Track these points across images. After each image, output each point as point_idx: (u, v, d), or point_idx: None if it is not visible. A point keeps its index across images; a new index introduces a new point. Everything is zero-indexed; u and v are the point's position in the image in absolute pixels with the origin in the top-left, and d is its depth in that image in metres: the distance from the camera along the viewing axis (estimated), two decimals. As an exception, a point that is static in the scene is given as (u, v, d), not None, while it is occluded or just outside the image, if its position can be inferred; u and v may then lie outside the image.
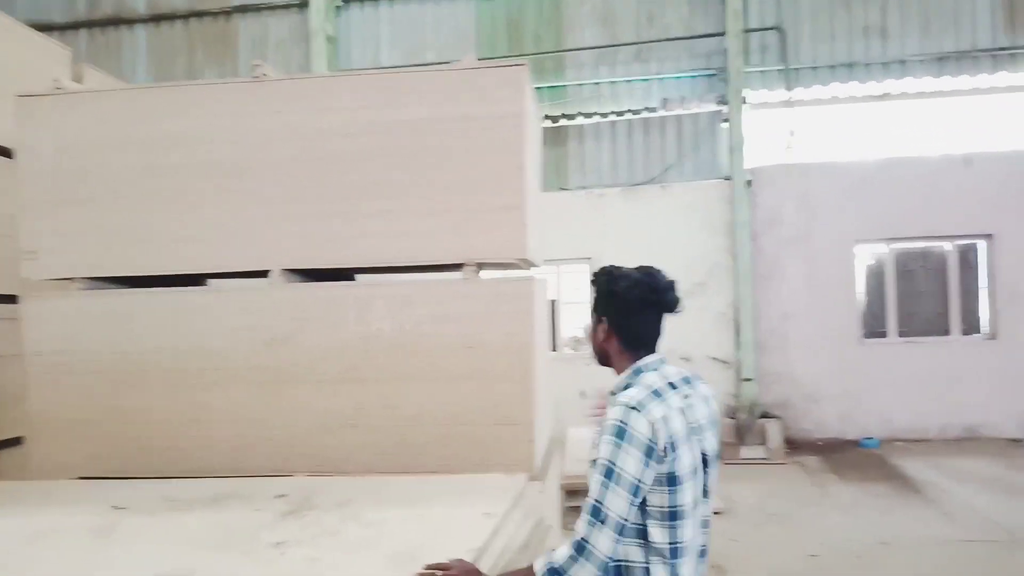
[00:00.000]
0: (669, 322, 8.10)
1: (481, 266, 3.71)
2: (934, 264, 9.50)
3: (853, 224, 9.39)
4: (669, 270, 8.13)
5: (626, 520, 1.81)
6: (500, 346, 3.48)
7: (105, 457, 3.57)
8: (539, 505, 3.11)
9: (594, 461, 1.88)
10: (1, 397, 4.36)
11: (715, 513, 6.29)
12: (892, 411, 9.12)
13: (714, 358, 9.44)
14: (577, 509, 4.90)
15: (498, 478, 3.09)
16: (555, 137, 10.12)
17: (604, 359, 2.13)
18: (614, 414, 1.87)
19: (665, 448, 1.84)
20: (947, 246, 9.42)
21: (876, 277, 9.54)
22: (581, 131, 10.15)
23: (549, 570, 1.83)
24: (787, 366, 9.37)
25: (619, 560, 1.88)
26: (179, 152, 3.67)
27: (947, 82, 9.65)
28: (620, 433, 1.83)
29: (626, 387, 2.00)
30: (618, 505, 1.80)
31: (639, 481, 1.81)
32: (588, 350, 2.06)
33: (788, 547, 5.49)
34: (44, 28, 10.19)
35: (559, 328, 9.74)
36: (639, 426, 1.83)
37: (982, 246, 9.35)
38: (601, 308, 2.11)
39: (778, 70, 9.64)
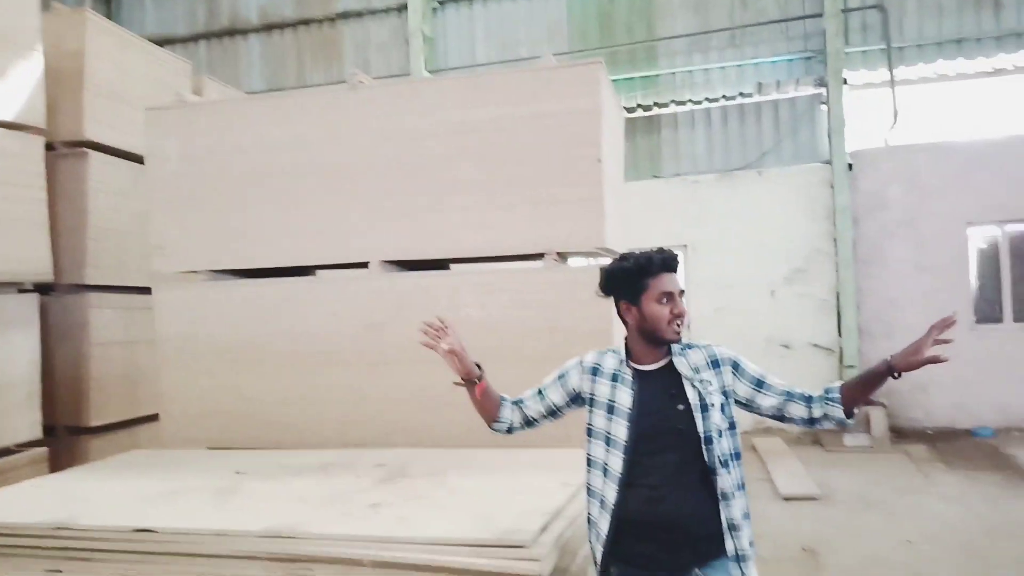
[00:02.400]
0: (770, 309, 8.16)
1: (564, 255, 3.91)
2: (1053, 246, 8.98)
3: (964, 206, 8.97)
4: (767, 256, 8.15)
5: None
6: (580, 330, 3.66)
7: (228, 430, 3.99)
8: (617, 479, 3.28)
9: (762, 378, 2.26)
10: (140, 377, 4.91)
11: (810, 499, 6.30)
12: (1008, 399, 8.68)
13: (815, 345, 9.25)
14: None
15: (578, 452, 3.27)
16: (648, 126, 10.14)
17: None
18: (727, 350, 2.28)
19: None
20: (1069, 227, 8.89)
21: (989, 260, 9.09)
22: (675, 119, 10.13)
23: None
24: (892, 353, 9.06)
25: None
26: (286, 155, 4.03)
27: (1068, 53, 9.06)
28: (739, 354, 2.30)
29: (681, 348, 2.27)
30: None
31: None
32: (684, 336, 2.25)
33: (885, 534, 5.42)
34: (168, 41, 11.10)
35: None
36: None
37: (1110, 225, 8.77)
38: None
39: (880, 49, 9.30)
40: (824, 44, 9.30)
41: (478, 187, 3.85)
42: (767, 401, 2.23)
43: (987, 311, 9.08)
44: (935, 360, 2.09)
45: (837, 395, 2.18)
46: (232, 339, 4.02)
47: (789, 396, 2.23)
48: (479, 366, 2.38)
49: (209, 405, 4.02)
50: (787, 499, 6.37)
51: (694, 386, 2.17)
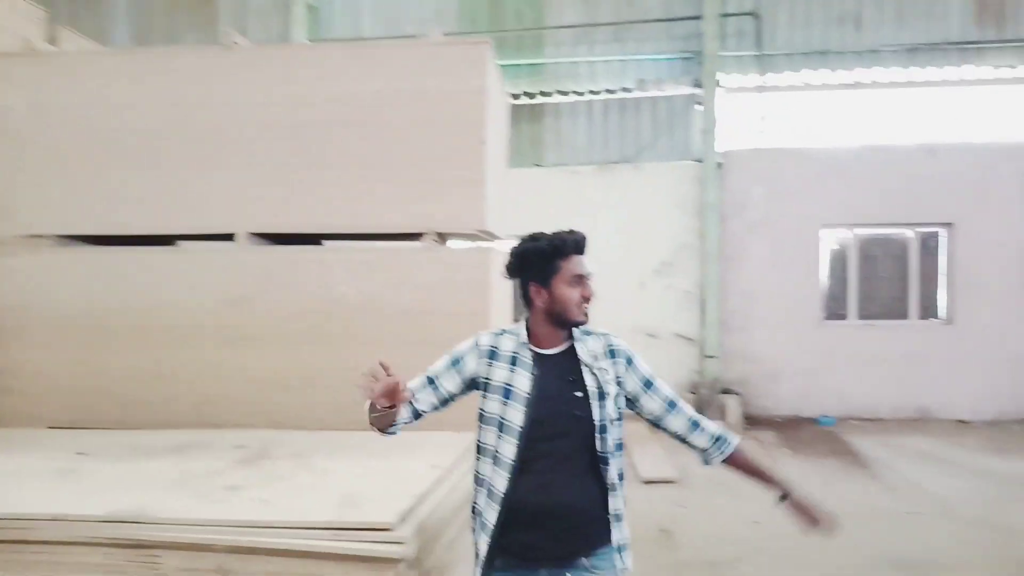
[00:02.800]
0: (638, 300, 8.39)
1: (444, 236, 3.87)
2: (895, 250, 9.75)
3: (819, 209, 9.59)
4: (639, 248, 8.38)
5: None
6: (458, 313, 3.64)
7: (72, 408, 3.70)
8: (486, 462, 3.28)
9: (651, 380, 2.23)
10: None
11: (668, 482, 6.59)
12: (849, 391, 9.40)
13: (679, 335, 9.65)
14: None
15: (447, 435, 3.26)
16: (532, 114, 10.21)
17: None
18: (624, 342, 2.25)
19: None
20: (909, 233, 9.67)
21: (839, 261, 9.78)
22: (558, 109, 10.25)
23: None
24: (749, 345, 9.60)
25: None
26: (149, 116, 3.77)
27: (917, 73, 9.82)
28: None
29: (583, 333, 2.24)
30: None
31: None
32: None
33: (735, 514, 5.73)
34: (22, -14, 10.12)
35: (531, 302, 9.87)
36: None
37: (943, 234, 9.61)
38: None
39: (753, 55, 9.77)
40: (702, 46, 9.64)
41: (355, 161, 3.74)
42: (650, 404, 2.22)
43: (834, 308, 9.76)
44: (812, 531, 2.21)
45: (728, 452, 2.23)
46: (80, 310, 3.73)
47: (673, 408, 2.22)
48: None
49: (52, 381, 3.71)
50: (647, 482, 6.62)
51: (593, 373, 2.14)
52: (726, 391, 9.06)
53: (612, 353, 2.20)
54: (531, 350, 2.17)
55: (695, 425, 2.23)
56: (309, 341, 3.72)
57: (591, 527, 2.12)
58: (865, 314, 9.69)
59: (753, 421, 9.18)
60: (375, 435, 3.48)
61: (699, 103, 9.85)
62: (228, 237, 3.75)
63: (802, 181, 9.61)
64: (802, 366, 9.45)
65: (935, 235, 9.68)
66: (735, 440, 2.24)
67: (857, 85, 9.98)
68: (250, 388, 3.65)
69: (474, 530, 2.17)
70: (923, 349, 9.40)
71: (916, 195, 9.43)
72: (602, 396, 2.12)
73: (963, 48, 9.73)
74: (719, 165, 9.58)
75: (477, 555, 2.13)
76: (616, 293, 9.61)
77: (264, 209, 3.76)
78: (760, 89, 9.70)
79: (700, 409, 8.67)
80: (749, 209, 9.72)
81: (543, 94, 10.14)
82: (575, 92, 10.11)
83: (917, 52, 9.77)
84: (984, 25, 9.67)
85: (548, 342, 2.19)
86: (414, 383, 2.19)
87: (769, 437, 8.45)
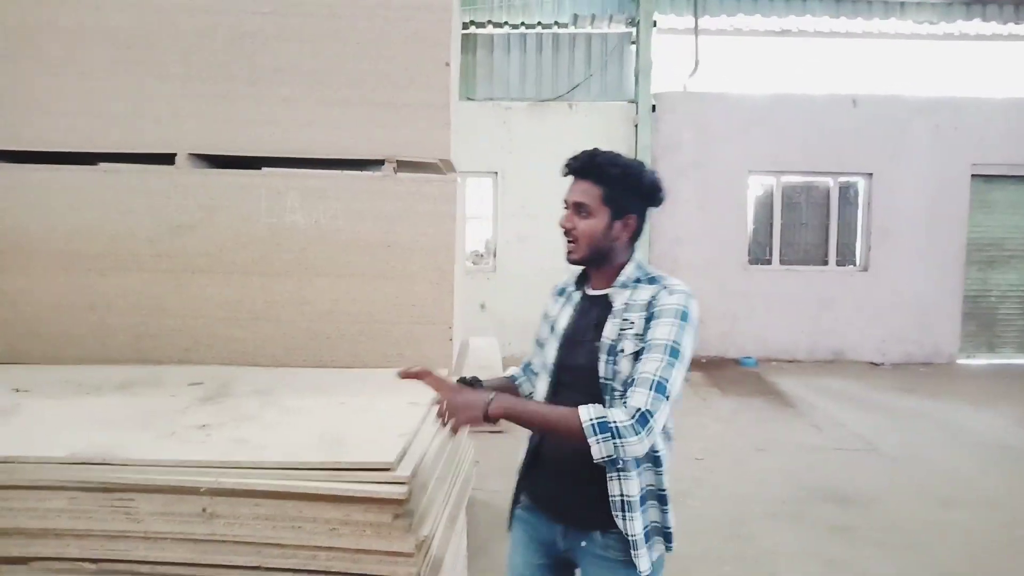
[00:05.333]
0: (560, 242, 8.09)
1: (400, 165, 3.63)
2: (817, 198, 10.04)
3: (746, 155, 9.74)
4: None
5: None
6: (419, 246, 3.45)
7: (-9, 342, 3.33)
8: (455, 400, 3.15)
9: (645, 341, 1.81)
10: None
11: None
12: (769, 333, 9.73)
13: (608, 278, 9.71)
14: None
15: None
16: (464, 44, 9.86)
17: (600, 257, 1.98)
18: (676, 300, 1.83)
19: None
20: (831, 182, 9.95)
21: (764, 207, 10.00)
22: (491, 41, 9.95)
23: (601, 423, 1.70)
24: (676, 288, 9.76)
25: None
26: (72, 14, 3.35)
27: (843, 23, 10.00)
28: (684, 316, 1.82)
29: (638, 279, 1.95)
30: (679, 384, 1.81)
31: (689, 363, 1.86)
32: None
33: (678, 452, 5.85)
34: None
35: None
36: (696, 310, 1.86)
37: (862, 184, 9.93)
38: (627, 200, 1.96)
39: (688, -4, 9.71)
40: (639, -16, 9.49)
41: (307, 78, 3.44)
42: (621, 365, 1.85)
43: (759, 253, 10.01)
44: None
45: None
46: (-3, 233, 3.33)
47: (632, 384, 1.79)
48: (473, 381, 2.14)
49: (-35, 312, 3.33)
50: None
51: (619, 324, 1.87)
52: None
53: (651, 305, 1.85)
54: (580, 289, 2.07)
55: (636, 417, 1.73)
56: (259, 272, 3.46)
57: (595, 503, 1.88)
58: (787, 260, 9.99)
59: (679, 362, 9.38)
60: (334, 373, 3.31)
61: (633, 43, 9.73)
62: (166, 158, 3.40)
63: (731, 127, 9.71)
64: (727, 309, 9.69)
65: (854, 184, 9.99)
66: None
67: (785, 33, 10.08)
68: (196, 322, 3.37)
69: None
70: (839, 294, 9.79)
71: (838, 145, 9.69)
72: (613, 351, 1.85)
73: (887, 2, 9.94)
74: (653, 107, 9.54)
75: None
76: (548, 234, 9.51)
77: (207, 128, 3.42)
78: (694, 31, 9.64)
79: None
80: (679, 153, 9.76)
81: (476, 24, 9.79)
82: (509, 24, 9.80)
83: (844, 2, 9.92)
84: (909, -21, 9.88)
85: (594, 282, 2.04)
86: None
87: (698, 377, 8.67)
